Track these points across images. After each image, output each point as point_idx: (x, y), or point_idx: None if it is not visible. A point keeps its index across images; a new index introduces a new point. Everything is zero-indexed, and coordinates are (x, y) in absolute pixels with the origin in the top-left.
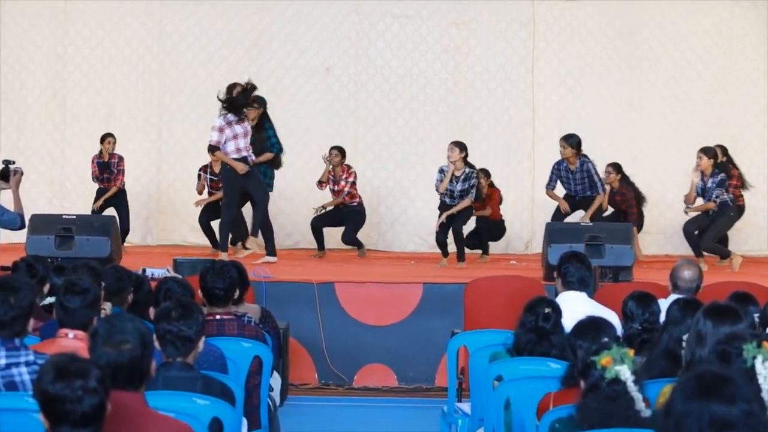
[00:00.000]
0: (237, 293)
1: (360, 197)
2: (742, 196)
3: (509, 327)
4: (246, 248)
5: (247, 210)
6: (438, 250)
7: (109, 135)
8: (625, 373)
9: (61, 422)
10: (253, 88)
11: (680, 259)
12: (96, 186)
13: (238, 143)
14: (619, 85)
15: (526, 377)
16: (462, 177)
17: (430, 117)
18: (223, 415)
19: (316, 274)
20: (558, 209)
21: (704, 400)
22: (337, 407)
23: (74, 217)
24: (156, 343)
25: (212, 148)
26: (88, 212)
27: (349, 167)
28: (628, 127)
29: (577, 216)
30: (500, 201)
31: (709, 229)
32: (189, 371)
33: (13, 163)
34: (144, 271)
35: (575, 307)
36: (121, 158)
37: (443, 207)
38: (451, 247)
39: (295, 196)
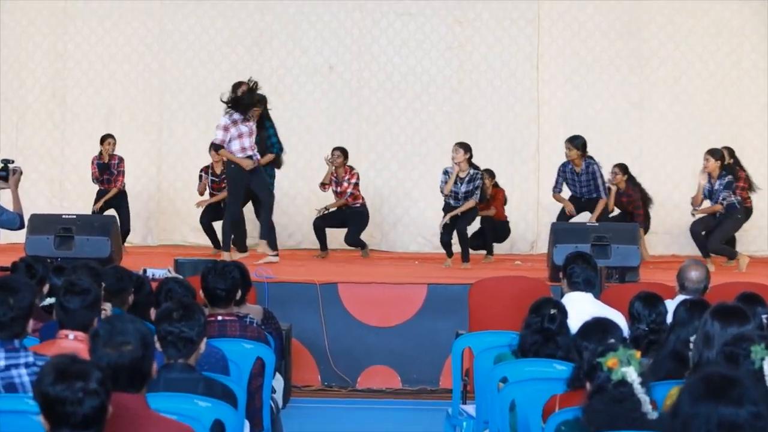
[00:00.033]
0: (239, 294)
1: (363, 198)
2: (749, 197)
3: (514, 328)
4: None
5: (247, 210)
6: (442, 251)
7: (109, 136)
8: (632, 374)
9: (61, 424)
10: (256, 86)
11: (687, 259)
12: (96, 187)
13: (243, 142)
14: (624, 83)
15: (531, 379)
16: (467, 178)
17: (434, 116)
18: (225, 418)
19: (318, 275)
20: (563, 210)
21: (712, 402)
22: (340, 409)
23: (74, 216)
24: (157, 345)
25: (216, 147)
26: (88, 212)
27: (351, 168)
28: (633, 126)
29: (582, 218)
30: (505, 201)
31: (716, 231)
32: (190, 373)
33: (13, 162)
34: (145, 271)
35: (581, 308)
36: (121, 159)
37: (447, 209)
38: (456, 248)
39: (297, 196)
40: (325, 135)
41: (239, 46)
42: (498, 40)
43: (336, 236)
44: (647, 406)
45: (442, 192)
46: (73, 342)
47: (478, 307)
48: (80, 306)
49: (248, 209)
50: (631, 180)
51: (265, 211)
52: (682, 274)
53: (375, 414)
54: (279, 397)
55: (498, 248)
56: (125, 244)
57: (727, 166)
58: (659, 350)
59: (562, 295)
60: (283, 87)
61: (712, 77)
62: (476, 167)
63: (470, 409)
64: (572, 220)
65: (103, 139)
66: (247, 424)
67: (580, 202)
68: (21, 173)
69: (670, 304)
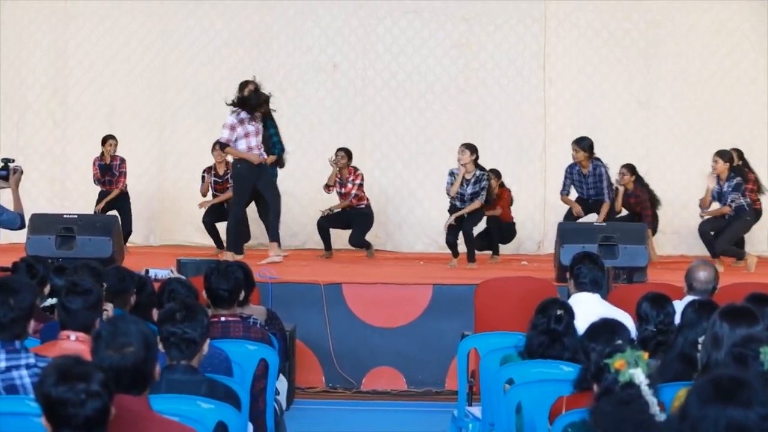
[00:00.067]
0: (242, 294)
1: (368, 199)
2: (759, 199)
3: (521, 329)
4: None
5: (250, 209)
6: (447, 251)
7: (111, 137)
8: (639, 376)
9: (63, 426)
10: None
11: (695, 259)
12: (98, 188)
13: (250, 142)
14: (632, 82)
15: (538, 380)
16: (473, 180)
17: (439, 115)
18: (228, 419)
19: (323, 275)
20: (570, 211)
21: (720, 404)
22: (344, 411)
23: (75, 216)
24: (159, 346)
25: (222, 145)
26: (90, 212)
27: (355, 169)
28: (641, 125)
29: (589, 219)
30: (511, 201)
31: (725, 233)
32: (193, 374)
33: (13, 161)
34: (147, 271)
35: (588, 308)
36: (122, 160)
37: (453, 210)
38: (462, 248)
39: (302, 196)
40: (329, 134)
41: (242, 43)
42: (505, 38)
43: (340, 236)
44: (655, 408)
45: (448, 194)
46: (74, 343)
47: (484, 307)
48: (82, 307)
49: (250, 209)
50: (639, 180)
51: (272, 212)
52: (690, 274)
53: (380, 416)
54: (283, 398)
55: (504, 248)
56: (127, 245)
57: (736, 168)
58: (667, 352)
59: (569, 296)
60: (286, 85)
61: (721, 76)
62: (482, 168)
63: (476, 411)
64: (579, 221)
65: (104, 140)
66: (250, 426)
67: (587, 204)
68: (22, 172)
69: (679, 305)
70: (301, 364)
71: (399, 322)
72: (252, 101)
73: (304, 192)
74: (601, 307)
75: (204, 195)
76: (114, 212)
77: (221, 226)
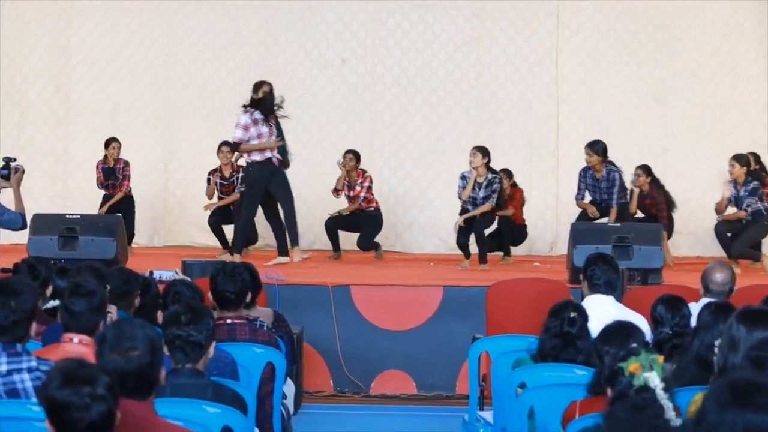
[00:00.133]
0: (249, 296)
1: (377, 202)
2: None
3: (533, 332)
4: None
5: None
6: (458, 251)
7: (114, 140)
8: (655, 380)
9: (67, 430)
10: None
11: (712, 261)
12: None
13: (263, 143)
14: (648, 78)
15: (550, 384)
16: (485, 183)
17: (451, 112)
18: (235, 424)
19: (331, 277)
20: (584, 212)
21: (738, 409)
22: (353, 415)
23: (78, 216)
24: (164, 349)
25: (235, 146)
26: (93, 212)
27: (364, 171)
28: (657, 122)
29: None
30: (523, 202)
31: (741, 236)
32: (199, 378)
33: (14, 160)
34: (151, 273)
35: (602, 311)
36: (126, 163)
37: (464, 214)
38: (473, 249)
39: (310, 195)
40: (337, 132)
41: (248, 39)
42: (518, 32)
43: (349, 237)
44: (670, 413)
45: (460, 198)
46: (77, 346)
47: (496, 310)
48: (86, 309)
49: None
50: (655, 182)
51: (287, 216)
52: (706, 276)
53: (389, 420)
54: (290, 402)
55: (516, 249)
56: (131, 246)
57: (753, 172)
58: (683, 355)
59: (582, 298)
60: (294, 82)
61: (738, 73)
62: (494, 171)
63: (487, 415)
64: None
65: (107, 143)
66: (256, 431)
67: (600, 208)
68: (23, 172)
69: (694, 307)
70: (309, 368)
71: (409, 325)
72: (267, 103)
73: (311, 192)
74: (615, 309)
75: (210, 197)
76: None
77: (227, 228)
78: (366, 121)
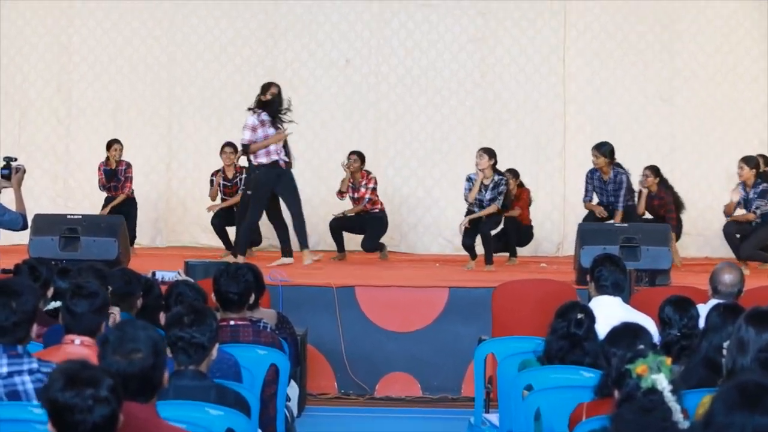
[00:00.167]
0: (252, 298)
1: (381, 204)
2: None
3: (540, 333)
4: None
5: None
6: (464, 252)
7: (116, 141)
8: (662, 382)
9: None
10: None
11: (720, 262)
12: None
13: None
14: (655, 77)
15: (557, 387)
16: (491, 185)
17: (455, 112)
18: (238, 427)
19: (335, 278)
20: (591, 212)
21: (746, 411)
22: (357, 418)
23: (80, 217)
24: (167, 351)
25: (245, 148)
26: (95, 212)
27: (368, 173)
28: (664, 122)
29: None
30: (530, 202)
31: (750, 239)
32: (202, 380)
33: (15, 160)
34: (154, 274)
35: (609, 312)
36: (128, 165)
37: (470, 215)
38: (479, 249)
39: (313, 196)
40: (341, 132)
41: (252, 37)
42: (523, 32)
43: (353, 237)
44: (678, 416)
45: (466, 200)
46: (79, 347)
47: (502, 311)
48: (88, 310)
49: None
50: (663, 183)
51: (295, 216)
52: (715, 277)
53: (394, 423)
54: (294, 405)
55: (522, 250)
56: (133, 246)
57: (762, 174)
58: (691, 357)
59: (589, 299)
60: (297, 81)
61: (747, 73)
62: (501, 173)
63: (493, 418)
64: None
65: (109, 145)
66: None
67: (607, 211)
68: (24, 171)
69: (703, 309)
70: (313, 370)
71: (414, 326)
72: (275, 105)
73: (315, 192)
74: (622, 310)
75: (213, 199)
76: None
77: (231, 230)
78: (370, 121)
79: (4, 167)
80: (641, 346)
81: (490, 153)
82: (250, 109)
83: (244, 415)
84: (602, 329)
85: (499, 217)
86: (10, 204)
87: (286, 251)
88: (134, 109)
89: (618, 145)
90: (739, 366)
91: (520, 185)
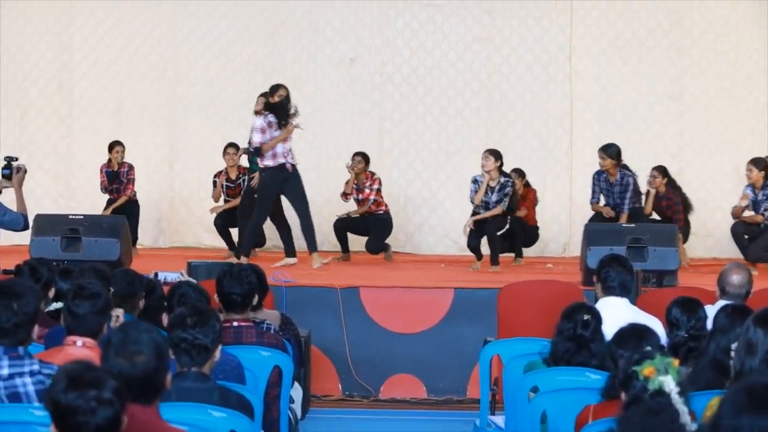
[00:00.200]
0: (256, 299)
1: (386, 205)
2: None
3: (546, 335)
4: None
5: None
6: (469, 253)
7: (117, 143)
8: (670, 384)
9: None
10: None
11: (729, 263)
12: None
13: (276, 148)
14: (663, 76)
15: (563, 389)
16: (497, 187)
17: (461, 112)
18: (241, 429)
19: (339, 279)
20: (598, 213)
21: (755, 414)
22: (362, 420)
23: (81, 217)
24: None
25: (257, 150)
26: (96, 212)
27: (372, 174)
28: (673, 121)
29: None
30: (536, 202)
31: (758, 240)
32: (204, 382)
33: (16, 159)
34: (156, 275)
35: (616, 313)
36: (131, 167)
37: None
38: (485, 250)
39: (317, 196)
40: (345, 132)
41: (256, 36)
42: (529, 30)
43: (358, 238)
44: (686, 418)
45: (472, 202)
46: (81, 349)
47: (508, 312)
48: (90, 311)
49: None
50: (672, 183)
51: (303, 219)
52: (723, 278)
53: (398, 425)
54: (297, 407)
55: (528, 250)
56: (135, 247)
57: None
58: (699, 358)
59: (596, 300)
60: (301, 80)
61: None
62: (507, 175)
63: (499, 420)
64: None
65: (111, 147)
66: None
67: (614, 212)
68: (25, 171)
69: (711, 310)
70: (317, 372)
71: (419, 328)
72: (283, 107)
73: (319, 192)
74: (629, 312)
75: (216, 201)
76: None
77: (234, 231)
78: (375, 121)
79: (5, 167)
80: (648, 348)
81: (497, 155)
82: (257, 112)
83: (248, 417)
84: (609, 330)
85: (505, 218)
86: (11, 204)
87: (290, 252)
88: (136, 108)
89: (625, 144)
90: (747, 368)
91: (527, 185)
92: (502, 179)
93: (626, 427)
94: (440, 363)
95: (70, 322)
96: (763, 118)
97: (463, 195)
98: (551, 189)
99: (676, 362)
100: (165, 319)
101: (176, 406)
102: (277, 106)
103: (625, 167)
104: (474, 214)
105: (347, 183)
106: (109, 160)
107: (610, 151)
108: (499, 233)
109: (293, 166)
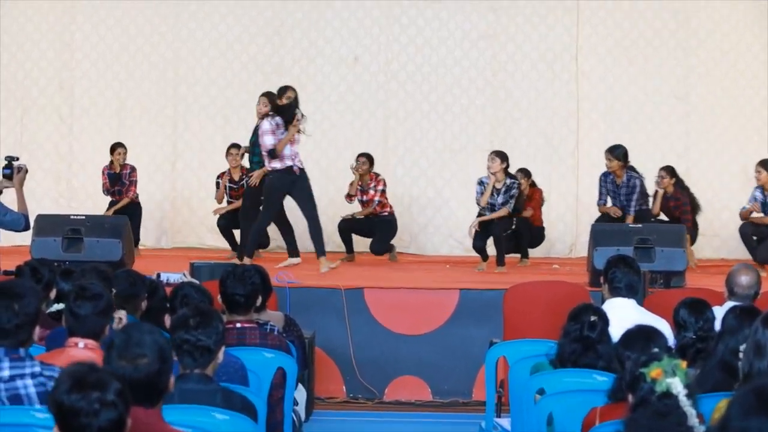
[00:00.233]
0: (259, 300)
1: (391, 207)
2: None
3: (552, 336)
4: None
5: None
6: (475, 253)
7: (119, 145)
8: (677, 386)
9: None
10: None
11: (737, 263)
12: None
13: (283, 150)
14: (670, 75)
15: (570, 390)
16: (503, 189)
17: (467, 110)
18: (244, 431)
19: (344, 279)
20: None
21: (763, 416)
22: (366, 422)
23: (83, 217)
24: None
25: (272, 153)
26: (98, 212)
27: (377, 175)
28: (680, 121)
29: None
30: (542, 202)
31: (767, 242)
32: (207, 384)
33: (17, 159)
34: (158, 275)
35: (623, 314)
36: (133, 169)
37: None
38: (491, 251)
39: (322, 196)
40: (349, 131)
41: (259, 34)
42: (534, 28)
43: (362, 239)
44: (694, 420)
45: (478, 204)
46: (83, 351)
47: (514, 313)
48: (92, 312)
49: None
50: (680, 183)
51: (310, 221)
52: (731, 279)
53: (403, 427)
54: (301, 409)
55: (534, 251)
56: (137, 247)
57: None
58: (707, 360)
59: (602, 301)
60: (304, 79)
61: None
62: (512, 176)
63: (505, 422)
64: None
65: (113, 149)
66: None
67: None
68: (26, 171)
69: (719, 311)
70: (321, 373)
71: (424, 329)
72: (291, 109)
73: (323, 192)
74: (636, 313)
75: (220, 202)
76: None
77: (237, 231)
78: (380, 120)
79: (6, 166)
80: (656, 350)
81: (503, 156)
82: (265, 114)
83: (251, 419)
84: (616, 332)
85: (511, 219)
86: (12, 204)
87: (293, 252)
88: (138, 107)
89: (632, 143)
90: (755, 370)
91: (532, 185)
92: (508, 181)
93: (633, 430)
94: (445, 365)
95: (71, 323)
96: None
97: (467, 194)
98: (557, 189)
99: (683, 364)
100: (167, 320)
101: (179, 408)
102: (285, 109)
103: (632, 169)
104: (479, 215)
105: (351, 184)
106: (111, 162)
107: (617, 153)
108: (504, 234)
109: (301, 168)
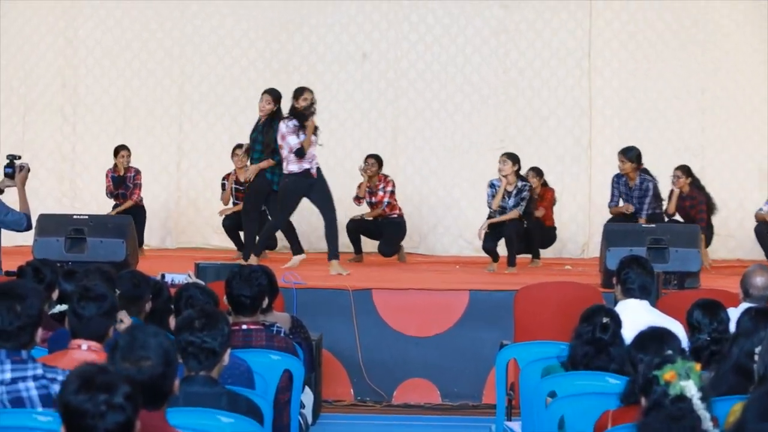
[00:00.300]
0: (266, 301)
1: (400, 209)
2: None
3: (564, 338)
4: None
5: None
6: (485, 254)
7: (123, 147)
8: (691, 389)
9: None
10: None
11: (752, 264)
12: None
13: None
14: (685, 71)
15: (582, 393)
16: (514, 192)
17: (477, 109)
18: None
19: (351, 280)
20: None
21: None
22: (374, 426)
23: (86, 217)
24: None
25: (300, 152)
26: (102, 212)
27: (386, 176)
28: (695, 118)
29: None
30: (554, 202)
31: None
32: (213, 386)
33: (19, 158)
34: (163, 276)
35: (636, 316)
36: (137, 171)
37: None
38: (502, 251)
39: None
40: (358, 130)
41: (266, 31)
42: (546, 24)
43: (371, 240)
44: (708, 424)
45: (489, 207)
46: (86, 353)
47: (525, 315)
48: (96, 313)
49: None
50: (695, 183)
51: (328, 224)
52: (746, 280)
53: (412, 431)
54: (308, 412)
55: (546, 252)
56: (142, 248)
57: None
58: (721, 362)
59: (615, 303)
60: (313, 77)
61: None
62: (524, 179)
63: (516, 426)
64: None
65: (116, 151)
66: None
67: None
68: (28, 170)
69: (734, 313)
70: (328, 376)
71: (433, 331)
72: (306, 114)
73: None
74: (649, 314)
75: (225, 204)
76: None
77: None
78: (389, 118)
79: (8, 166)
80: (669, 352)
81: (514, 158)
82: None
83: (257, 422)
84: (629, 334)
85: (521, 223)
86: (14, 204)
87: (296, 249)
88: (143, 106)
89: (646, 141)
90: None
91: (544, 185)
92: (520, 183)
93: None
94: (455, 367)
95: (74, 324)
96: None
97: (477, 193)
98: (569, 188)
99: (697, 366)
100: (172, 321)
101: (184, 411)
102: (301, 113)
103: (646, 171)
104: (489, 217)
105: (360, 187)
106: (115, 165)
107: (630, 155)
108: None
109: (318, 170)
